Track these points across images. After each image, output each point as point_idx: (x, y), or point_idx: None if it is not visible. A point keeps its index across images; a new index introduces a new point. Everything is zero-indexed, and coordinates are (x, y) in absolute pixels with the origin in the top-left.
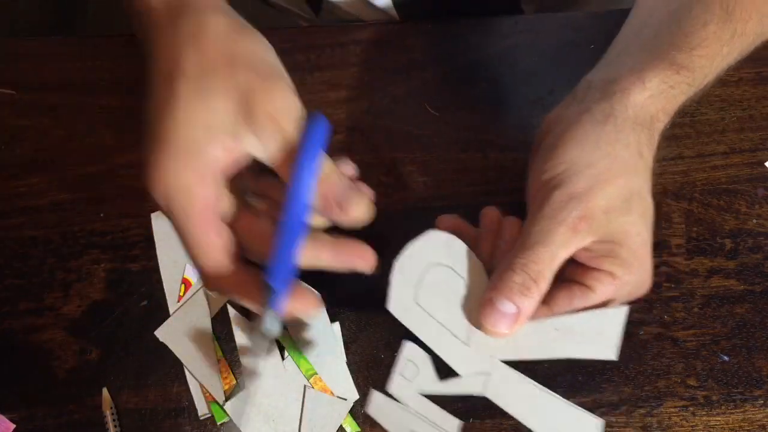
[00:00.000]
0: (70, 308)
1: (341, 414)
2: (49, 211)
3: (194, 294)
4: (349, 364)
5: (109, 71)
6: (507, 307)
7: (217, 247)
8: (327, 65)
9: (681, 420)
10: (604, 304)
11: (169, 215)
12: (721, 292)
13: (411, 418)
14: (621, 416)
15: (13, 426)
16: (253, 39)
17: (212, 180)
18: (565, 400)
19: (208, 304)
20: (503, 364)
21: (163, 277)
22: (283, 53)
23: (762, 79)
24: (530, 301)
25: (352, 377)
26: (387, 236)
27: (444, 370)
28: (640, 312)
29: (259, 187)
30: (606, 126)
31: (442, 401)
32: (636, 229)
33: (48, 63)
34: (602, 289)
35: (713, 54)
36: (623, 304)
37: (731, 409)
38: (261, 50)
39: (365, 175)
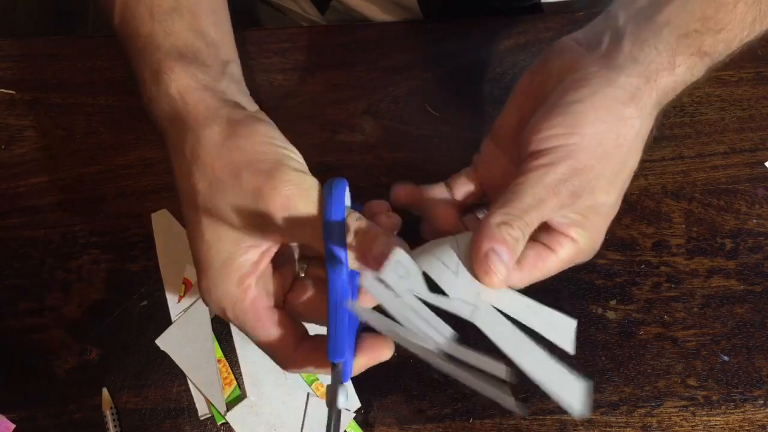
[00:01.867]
0: (70, 308)
1: (343, 424)
2: (49, 211)
3: (195, 302)
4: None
5: (109, 71)
6: (506, 256)
7: (281, 339)
8: (327, 65)
9: (681, 420)
10: (561, 264)
11: (225, 318)
12: (721, 292)
13: (405, 307)
14: (621, 416)
15: (13, 426)
16: (248, 134)
17: (255, 282)
18: (547, 354)
19: (210, 311)
20: (489, 304)
21: (163, 277)
22: (283, 53)
23: (762, 79)
24: (515, 254)
25: (353, 378)
26: None
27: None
28: (640, 312)
29: (309, 262)
30: (628, 108)
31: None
32: (609, 210)
33: (48, 63)
34: (564, 253)
35: (732, 38)
36: (574, 263)
37: (731, 409)
38: (258, 143)
39: (365, 175)
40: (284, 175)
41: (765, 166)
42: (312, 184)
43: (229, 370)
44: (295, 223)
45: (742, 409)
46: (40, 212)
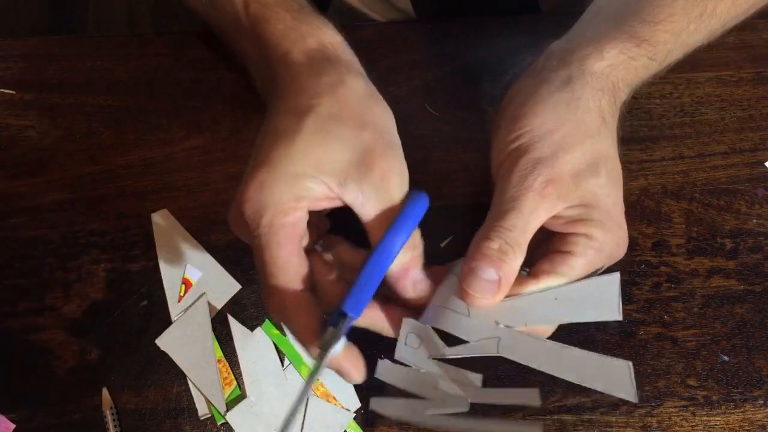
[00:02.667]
0: (70, 308)
1: (343, 424)
2: (49, 211)
3: (195, 301)
4: None
5: (109, 71)
6: (488, 273)
7: (295, 268)
8: None
9: (681, 420)
10: (588, 272)
11: (255, 228)
12: (721, 292)
13: (427, 378)
14: (621, 416)
15: (13, 426)
16: (383, 108)
17: (305, 209)
18: (582, 350)
19: (209, 312)
20: (509, 328)
21: (163, 277)
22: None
23: (762, 79)
24: (509, 267)
25: None
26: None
27: (449, 341)
28: (640, 312)
29: (326, 241)
30: (564, 92)
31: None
32: (605, 191)
33: (48, 63)
34: (581, 250)
35: (678, 30)
36: (606, 268)
37: (731, 409)
38: (387, 120)
39: None
40: (397, 155)
41: (765, 166)
42: (407, 180)
43: (229, 370)
44: (378, 195)
45: (742, 409)
46: (40, 212)
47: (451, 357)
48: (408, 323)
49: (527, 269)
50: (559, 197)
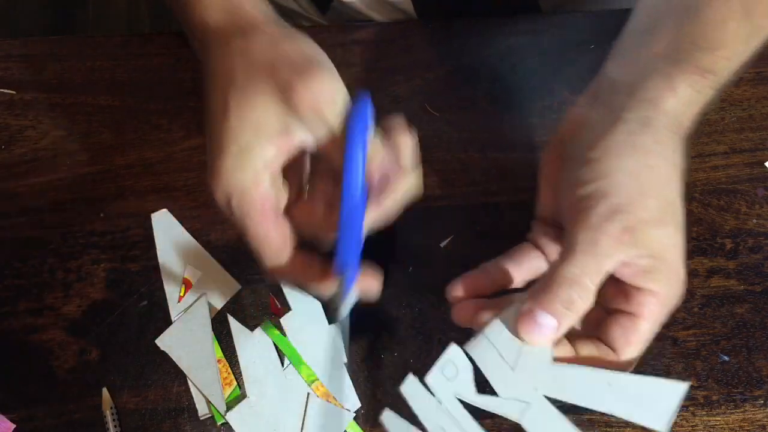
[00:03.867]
0: (70, 308)
1: (343, 424)
2: (49, 211)
3: (195, 301)
4: (349, 364)
5: (109, 71)
6: (546, 320)
7: (276, 240)
8: None
9: (681, 420)
10: (654, 333)
11: (231, 214)
12: (721, 292)
13: (442, 415)
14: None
15: (13, 426)
16: (293, 39)
17: (268, 178)
18: None
19: (209, 312)
20: (545, 398)
21: (163, 277)
22: None
23: (762, 79)
24: (572, 316)
25: (353, 377)
26: (387, 236)
27: (482, 384)
28: None
29: (316, 171)
30: (644, 136)
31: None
32: (673, 241)
33: (48, 63)
34: (649, 313)
35: (733, 55)
36: (664, 320)
37: (731, 409)
38: (300, 47)
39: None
40: (318, 77)
41: (765, 166)
42: (340, 92)
43: (229, 370)
44: (318, 126)
45: (742, 409)
46: (40, 212)
47: (475, 405)
48: (453, 350)
49: None
50: (633, 244)
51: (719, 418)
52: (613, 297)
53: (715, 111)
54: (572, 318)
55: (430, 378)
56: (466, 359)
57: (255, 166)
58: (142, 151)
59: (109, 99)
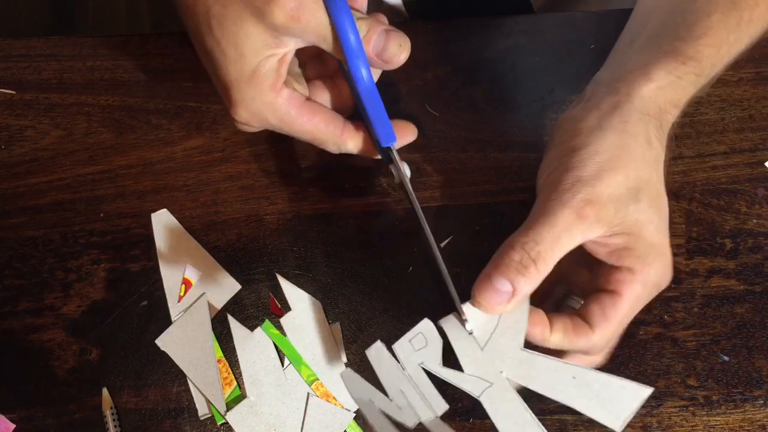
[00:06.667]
0: (70, 308)
1: (343, 424)
2: (49, 211)
3: (195, 301)
4: (349, 364)
5: (109, 71)
6: (502, 284)
7: (326, 121)
8: None
9: (681, 420)
10: (637, 309)
11: (276, 130)
12: (721, 292)
13: (403, 379)
14: None
15: (13, 426)
16: None
17: (282, 83)
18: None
19: (209, 312)
20: (507, 380)
21: (163, 277)
22: None
23: (762, 79)
24: (527, 281)
25: None
26: (387, 236)
27: (448, 359)
28: (640, 312)
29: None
30: (612, 117)
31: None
32: (647, 217)
33: (48, 63)
34: (628, 290)
35: (719, 42)
36: (649, 297)
37: (731, 409)
38: None
39: (365, 176)
40: None
41: (765, 166)
42: None
43: (229, 370)
44: (303, 30)
45: (742, 409)
46: (40, 212)
47: (438, 376)
48: (426, 324)
49: (581, 300)
50: (597, 221)
51: (719, 418)
52: (597, 279)
53: (715, 111)
54: (527, 284)
55: (397, 345)
56: (437, 334)
57: (269, 82)
58: (142, 151)
59: (109, 99)
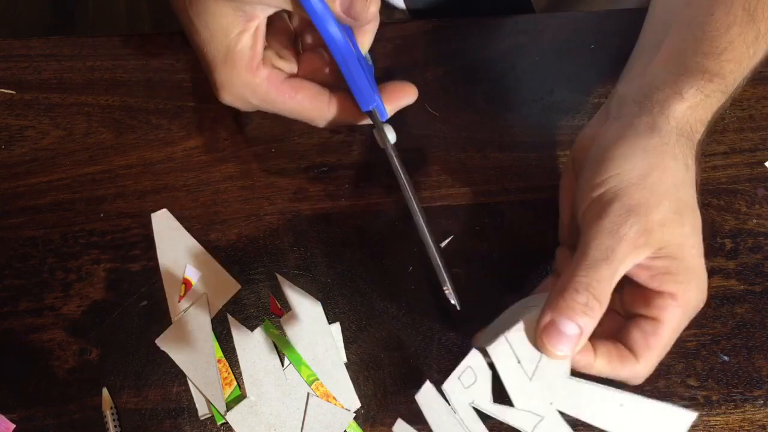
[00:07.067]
0: (70, 308)
1: (343, 424)
2: (49, 211)
3: (195, 301)
4: (349, 364)
5: (109, 71)
6: (570, 328)
7: (309, 97)
8: None
9: None
10: (676, 336)
11: (260, 107)
12: (721, 292)
13: (454, 424)
14: None
15: (13, 426)
16: None
17: (260, 60)
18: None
19: (209, 312)
20: (558, 413)
21: (163, 277)
22: None
23: (762, 79)
24: (593, 321)
25: (353, 377)
26: (387, 236)
27: (498, 392)
28: None
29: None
30: (651, 138)
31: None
32: (690, 242)
33: (48, 63)
34: (669, 316)
35: (740, 57)
36: (686, 324)
37: (731, 409)
38: None
39: (365, 176)
40: None
41: (765, 166)
42: None
43: (229, 370)
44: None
45: (742, 409)
46: (40, 212)
47: (489, 414)
48: (474, 357)
49: None
50: (647, 246)
51: (719, 418)
52: (633, 302)
53: None
54: (592, 324)
55: (446, 386)
56: (486, 366)
57: (244, 61)
58: (142, 151)
59: (109, 99)
